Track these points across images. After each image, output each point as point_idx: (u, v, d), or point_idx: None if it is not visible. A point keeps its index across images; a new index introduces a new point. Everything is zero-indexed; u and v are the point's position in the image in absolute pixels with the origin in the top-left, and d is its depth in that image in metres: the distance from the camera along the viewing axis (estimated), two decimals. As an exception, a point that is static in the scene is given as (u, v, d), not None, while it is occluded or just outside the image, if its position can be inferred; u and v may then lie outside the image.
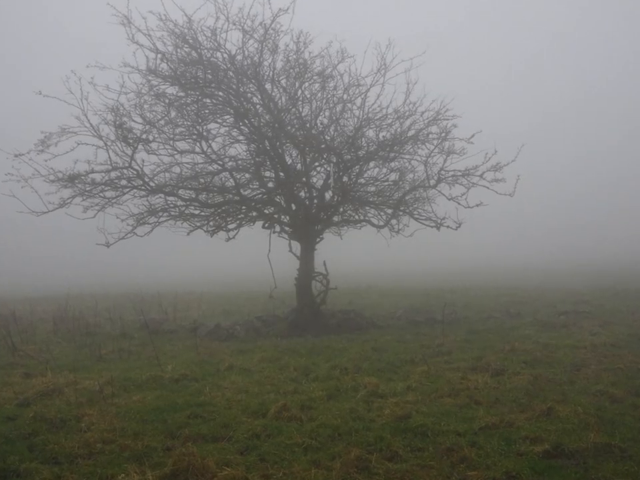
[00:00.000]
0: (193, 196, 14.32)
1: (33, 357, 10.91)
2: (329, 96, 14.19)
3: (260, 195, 15.08)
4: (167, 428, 6.48)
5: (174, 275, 59.43)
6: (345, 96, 14.19)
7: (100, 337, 13.23)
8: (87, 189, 13.05)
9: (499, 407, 6.93)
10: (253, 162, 14.79)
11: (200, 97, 13.71)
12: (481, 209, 13.79)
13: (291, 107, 14.05)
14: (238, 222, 15.07)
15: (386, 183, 15.14)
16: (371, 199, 15.32)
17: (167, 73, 13.24)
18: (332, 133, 14.60)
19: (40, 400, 7.68)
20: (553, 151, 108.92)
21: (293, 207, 14.77)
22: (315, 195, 14.89)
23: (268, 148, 14.16)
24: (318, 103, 14.23)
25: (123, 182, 13.36)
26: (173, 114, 13.75)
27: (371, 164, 14.93)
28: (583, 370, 8.65)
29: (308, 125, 14.21)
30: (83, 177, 12.84)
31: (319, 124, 14.38)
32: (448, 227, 14.23)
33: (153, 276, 57.83)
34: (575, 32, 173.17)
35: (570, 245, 74.03)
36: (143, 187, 13.51)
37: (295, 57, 13.54)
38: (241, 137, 14.71)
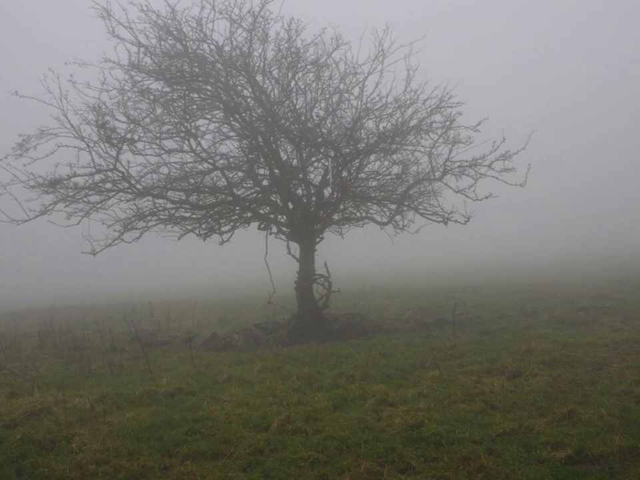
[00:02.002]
0: (183, 198, 14.32)
1: (19, 375, 10.91)
2: (325, 86, 14.25)
3: (254, 194, 15.08)
4: (164, 446, 6.48)
5: (165, 282, 59.47)
6: (342, 85, 14.25)
7: (89, 352, 13.23)
8: (70, 193, 13.04)
9: (516, 412, 6.93)
10: (245, 159, 14.78)
11: (187, 92, 13.73)
12: (490, 201, 13.80)
13: (284, 99, 14.06)
14: (232, 224, 15.06)
15: (388, 177, 15.13)
16: (372, 195, 15.29)
17: (150, 68, 13.26)
18: (329, 125, 14.63)
19: (27, 420, 7.68)
20: (564, 137, 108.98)
21: (290, 205, 14.77)
22: (313, 192, 14.90)
23: (261, 144, 14.16)
24: (313, 93, 14.27)
25: (108, 185, 13.35)
26: (158, 111, 13.78)
27: (372, 157, 14.95)
28: (605, 369, 8.67)
29: (303, 118, 14.21)
30: (64, 182, 12.83)
31: (314, 116, 14.38)
32: (456, 221, 14.23)
33: (143, 284, 57.86)
34: (584, 7, 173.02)
35: (584, 236, 74.11)
36: (129, 190, 13.50)
37: (286, 45, 13.59)
38: (232, 133, 14.73)
